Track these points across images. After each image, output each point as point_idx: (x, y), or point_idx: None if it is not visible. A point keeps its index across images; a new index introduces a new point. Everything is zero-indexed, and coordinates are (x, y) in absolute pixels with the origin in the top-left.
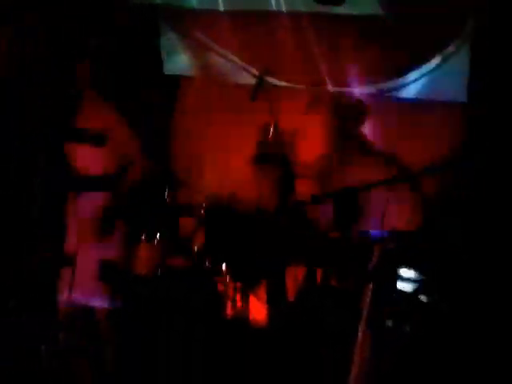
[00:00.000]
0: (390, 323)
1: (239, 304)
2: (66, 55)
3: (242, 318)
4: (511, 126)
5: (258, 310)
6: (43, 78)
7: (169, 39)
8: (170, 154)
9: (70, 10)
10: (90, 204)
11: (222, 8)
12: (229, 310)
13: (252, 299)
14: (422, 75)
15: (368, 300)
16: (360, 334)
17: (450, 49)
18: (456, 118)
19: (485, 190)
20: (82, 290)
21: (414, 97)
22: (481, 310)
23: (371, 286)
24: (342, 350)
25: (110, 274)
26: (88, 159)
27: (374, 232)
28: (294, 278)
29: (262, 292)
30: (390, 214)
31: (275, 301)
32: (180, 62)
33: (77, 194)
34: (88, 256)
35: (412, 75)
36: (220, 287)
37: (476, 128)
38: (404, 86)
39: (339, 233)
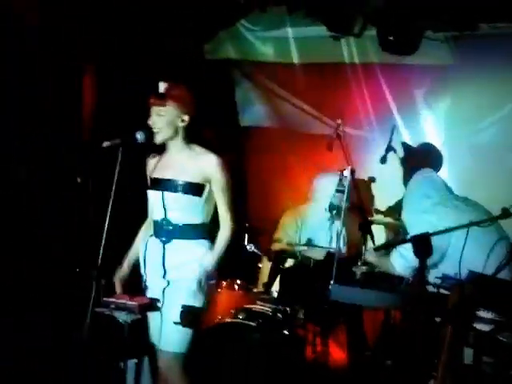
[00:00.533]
0: (469, 363)
1: (319, 348)
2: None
3: (322, 362)
4: None
5: (338, 354)
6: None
7: (244, 91)
8: (247, 202)
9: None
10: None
11: (296, 61)
12: (309, 354)
13: (332, 343)
14: (495, 122)
15: (447, 341)
16: (439, 375)
17: None
18: None
19: None
20: (166, 336)
21: (488, 143)
22: None
23: (450, 327)
24: None
25: (192, 320)
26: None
27: (452, 275)
28: (372, 321)
29: (342, 336)
30: (470, 257)
31: (355, 344)
32: (255, 113)
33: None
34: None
35: (485, 122)
36: (300, 332)
37: None
38: (477, 132)
39: (416, 276)
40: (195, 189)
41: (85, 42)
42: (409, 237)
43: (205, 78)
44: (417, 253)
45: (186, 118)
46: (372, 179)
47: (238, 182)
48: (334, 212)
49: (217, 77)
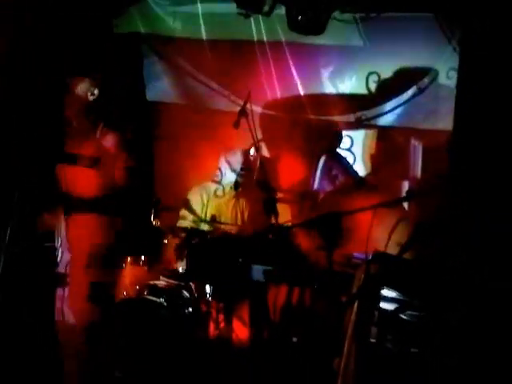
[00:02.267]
0: (373, 340)
1: (222, 324)
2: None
3: (224, 338)
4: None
5: (240, 330)
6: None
7: (151, 66)
8: (153, 178)
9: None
10: (80, 225)
11: (204, 37)
12: (212, 331)
13: (235, 319)
14: (399, 105)
15: (352, 319)
16: (345, 352)
17: (426, 80)
18: (439, 144)
19: (469, 213)
20: (73, 310)
21: (391, 125)
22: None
23: (355, 305)
24: (326, 366)
25: (99, 296)
26: (80, 181)
27: (358, 254)
28: (275, 298)
29: (245, 312)
30: (374, 237)
31: (257, 321)
32: (162, 88)
33: (68, 215)
34: (80, 277)
35: (389, 104)
36: (203, 308)
37: (459, 154)
38: (381, 114)
39: (325, 255)
40: (94, 162)
41: None
42: (316, 217)
43: (113, 52)
44: (324, 232)
45: (96, 91)
46: (277, 157)
47: (144, 157)
48: (239, 189)
49: (125, 50)
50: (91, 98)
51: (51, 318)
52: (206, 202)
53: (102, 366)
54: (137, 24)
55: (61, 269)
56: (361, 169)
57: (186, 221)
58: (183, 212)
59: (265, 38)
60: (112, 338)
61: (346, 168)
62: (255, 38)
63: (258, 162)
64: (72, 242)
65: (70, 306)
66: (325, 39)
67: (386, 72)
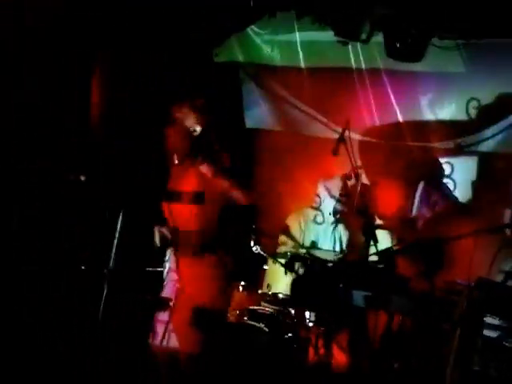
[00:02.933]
0: (476, 368)
1: (321, 350)
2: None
3: (324, 364)
4: None
5: (340, 356)
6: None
7: (250, 94)
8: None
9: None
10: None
11: (303, 65)
12: (311, 356)
13: (334, 345)
14: (500, 131)
15: (455, 346)
16: (447, 380)
17: None
18: None
19: None
20: (176, 334)
21: (492, 151)
22: None
23: (458, 332)
24: None
25: (202, 321)
26: (185, 218)
27: (460, 281)
28: (375, 323)
29: (344, 338)
30: (476, 263)
31: (357, 347)
32: (260, 115)
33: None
34: (185, 303)
35: (490, 131)
36: (303, 333)
37: None
38: (482, 140)
39: (426, 282)
40: (197, 198)
41: (96, 44)
42: (417, 242)
43: (213, 80)
44: (426, 258)
45: (198, 128)
46: (376, 183)
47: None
48: (338, 216)
49: (223, 79)
50: (194, 134)
51: (145, 340)
52: (304, 228)
53: None
54: (236, 53)
55: (166, 294)
56: (461, 195)
57: (286, 247)
58: (283, 238)
59: (363, 66)
60: (214, 361)
61: (446, 194)
62: (353, 66)
63: (358, 189)
64: (181, 274)
65: (173, 331)
66: (423, 66)
67: (487, 98)
